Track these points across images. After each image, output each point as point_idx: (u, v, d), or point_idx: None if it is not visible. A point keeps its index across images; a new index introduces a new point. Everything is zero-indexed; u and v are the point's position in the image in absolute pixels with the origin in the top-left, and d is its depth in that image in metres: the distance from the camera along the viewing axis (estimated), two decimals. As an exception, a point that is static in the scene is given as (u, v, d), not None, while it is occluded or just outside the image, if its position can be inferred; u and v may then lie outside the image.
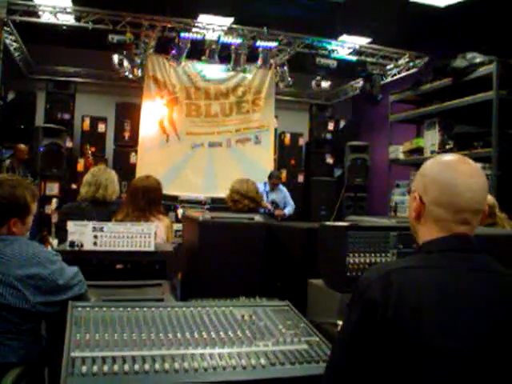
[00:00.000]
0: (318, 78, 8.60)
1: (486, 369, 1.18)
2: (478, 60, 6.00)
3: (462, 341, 1.19)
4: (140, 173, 7.42)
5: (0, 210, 2.12)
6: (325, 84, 8.71)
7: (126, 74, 7.93)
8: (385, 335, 1.20)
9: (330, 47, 8.56)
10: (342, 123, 10.54)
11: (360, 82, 9.30)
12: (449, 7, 6.66)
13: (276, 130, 9.69)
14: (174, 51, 7.99)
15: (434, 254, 1.32)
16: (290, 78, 8.81)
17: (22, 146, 7.92)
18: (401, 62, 9.02)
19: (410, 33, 7.92)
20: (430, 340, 1.18)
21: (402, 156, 7.66)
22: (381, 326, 1.20)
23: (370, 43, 8.62)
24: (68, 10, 7.39)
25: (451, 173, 1.33)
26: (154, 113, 8.65)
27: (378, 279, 1.26)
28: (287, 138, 10.05)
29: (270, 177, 7.64)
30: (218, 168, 8.80)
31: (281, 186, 7.86)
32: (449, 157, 1.39)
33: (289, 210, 7.62)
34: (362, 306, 1.25)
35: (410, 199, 1.46)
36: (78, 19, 7.50)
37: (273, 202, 7.38)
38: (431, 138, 6.91)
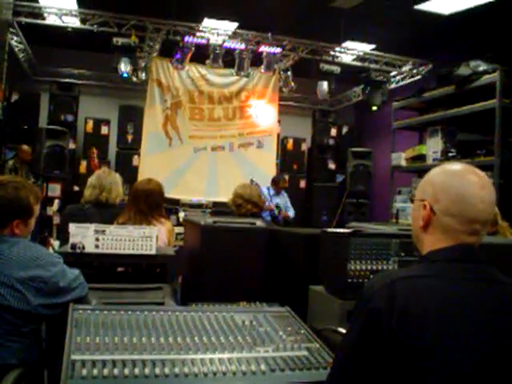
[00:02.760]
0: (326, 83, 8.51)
1: (488, 378, 1.18)
2: (481, 68, 6.01)
3: (464, 351, 1.19)
4: (142, 176, 7.43)
5: (3, 211, 2.13)
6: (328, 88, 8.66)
7: (125, 75, 7.75)
8: (389, 344, 1.19)
9: (333, 53, 8.58)
10: (345, 129, 10.56)
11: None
12: (453, 15, 6.68)
13: (279, 134, 9.70)
14: (178, 55, 8.00)
15: (439, 264, 1.32)
16: (293, 84, 8.82)
17: (26, 146, 7.93)
18: (404, 69, 9.04)
19: (414, 40, 7.93)
20: (433, 349, 1.18)
21: (404, 163, 7.65)
22: (385, 335, 1.20)
23: (374, 50, 8.63)
24: (73, 13, 7.42)
25: (463, 183, 1.32)
26: (157, 116, 8.67)
27: (383, 288, 1.26)
28: (290, 143, 10.05)
29: (277, 181, 7.63)
30: (220, 172, 8.81)
31: (283, 191, 7.87)
32: (457, 166, 1.38)
33: (292, 213, 7.65)
34: (366, 315, 1.25)
35: (414, 208, 1.44)
36: (83, 22, 7.53)
37: (277, 206, 7.37)
38: (434, 145, 6.91)
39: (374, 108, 8.59)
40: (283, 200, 7.67)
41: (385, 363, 1.20)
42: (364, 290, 1.33)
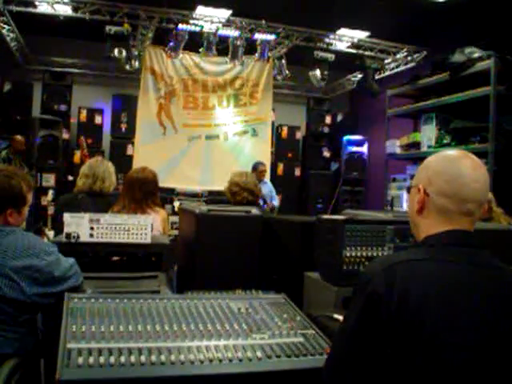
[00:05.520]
0: (320, 71, 8.46)
1: (487, 363, 1.19)
2: (476, 55, 5.99)
3: (463, 335, 1.20)
4: (136, 165, 7.38)
5: (-4, 200, 2.12)
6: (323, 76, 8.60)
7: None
8: (388, 327, 1.20)
9: (328, 40, 8.54)
10: (339, 117, 10.53)
11: (358, 76, 9.30)
12: (448, 1, 6.64)
13: (273, 123, 9.67)
14: (171, 43, 7.95)
15: (437, 248, 1.33)
16: (287, 71, 8.78)
17: (19, 137, 7.88)
18: (399, 56, 9.00)
19: (408, 27, 7.89)
20: (432, 333, 1.19)
21: (398, 150, 7.66)
22: (384, 319, 1.21)
23: (369, 37, 8.59)
24: (65, 1, 7.32)
25: (456, 165, 1.34)
26: (150, 105, 8.62)
27: (382, 272, 1.27)
28: (284, 131, 10.03)
29: (255, 168, 7.47)
30: (214, 160, 8.79)
31: (266, 180, 7.78)
32: (452, 152, 1.41)
33: (276, 203, 7.57)
34: (365, 299, 1.26)
35: (410, 194, 1.46)
36: (75, 10, 7.43)
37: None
38: (428, 132, 6.91)
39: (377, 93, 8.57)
40: (267, 189, 7.58)
41: (384, 346, 1.21)
42: (363, 274, 1.34)
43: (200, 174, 8.76)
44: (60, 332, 1.50)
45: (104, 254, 2.56)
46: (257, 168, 7.46)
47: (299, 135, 10.22)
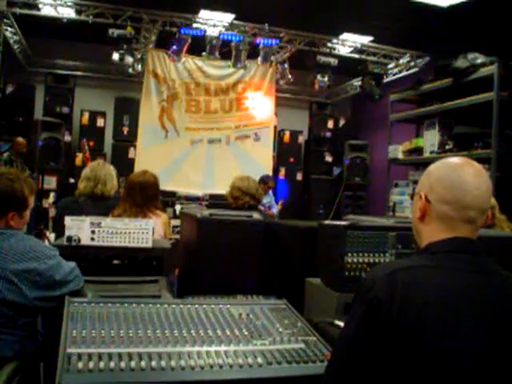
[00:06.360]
0: (324, 76, 8.45)
1: (487, 370, 1.19)
2: (479, 61, 5.99)
3: (463, 341, 1.20)
4: (138, 168, 7.38)
5: (-2, 203, 2.12)
6: (326, 79, 8.59)
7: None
8: (389, 334, 1.20)
9: (331, 45, 8.55)
10: (342, 122, 10.53)
11: (360, 81, 9.29)
12: (451, 7, 6.64)
13: (275, 127, 9.67)
14: (174, 46, 7.96)
15: (439, 255, 1.33)
16: (290, 76, 8.78)
17: (21, 139, 7.88)
18: (402, 61, 9.01)
19: (411, 32, 7.89)
20: (433, 340, 1.18)
21: (401, 156, 7.65)
22: (385, 325, 1.20)
23: (372, 42, 8.60)
24: (68, 4, 7.35)
25: (458, 172, 1.34)
26: (153, 108, 8.63)
27: (384, 278, 1.26)
28: (286, 136, 10.03)
29: (267, 181, 7.46)
30: (216, 165, 8.78)
31: (270, 191, 7.76)
32: (455, 159, 1.40)
33: (275, 211, 7.58)
34: (366, 304, 1.25)
35: (413, 201, 1.46)
36: (78, 12, 7.46)
37: (262, 205, 7.28)
38: (431, 138, 6.91)
39: (377, 97, 8.55)
40: (269, 199, 7.59)
41: (384, 352, 1.20)
42: (364, 279, 1.34)
43: (202, 178, 8.75)
44: (60, 336, 1.49)
45: (105, 257, 2.55)
46: (267, 182, 7.44)
47: (301, 140, 10.21)
